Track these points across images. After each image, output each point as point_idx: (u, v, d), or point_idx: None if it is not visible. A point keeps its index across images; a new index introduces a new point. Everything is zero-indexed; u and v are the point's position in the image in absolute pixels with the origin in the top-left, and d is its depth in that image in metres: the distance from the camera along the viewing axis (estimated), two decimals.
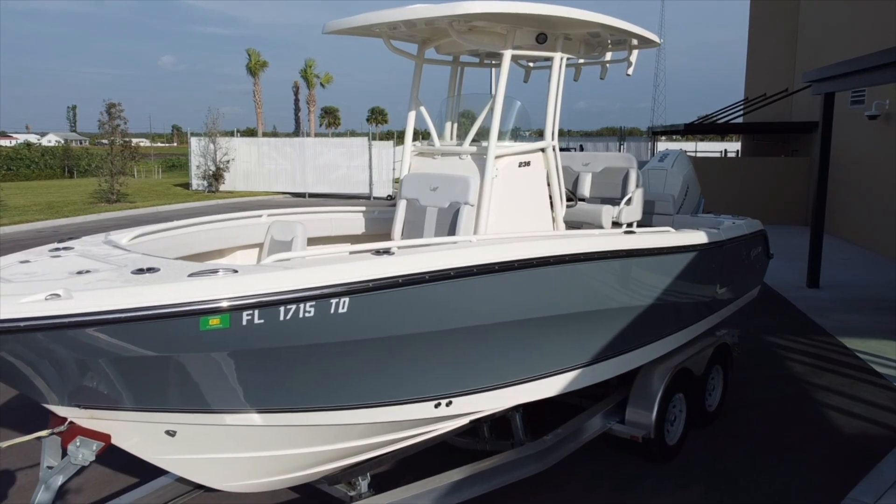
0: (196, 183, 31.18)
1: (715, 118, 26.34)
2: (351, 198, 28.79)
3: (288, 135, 46.36)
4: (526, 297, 4.01)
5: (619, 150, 31.05)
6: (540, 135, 5.18)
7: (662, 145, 36.68)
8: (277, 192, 30.71)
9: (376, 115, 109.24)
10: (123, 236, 4.15)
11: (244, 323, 2.95)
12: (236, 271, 3.01)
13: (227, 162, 30.42)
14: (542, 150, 5.13)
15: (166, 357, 2.98)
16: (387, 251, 3.44)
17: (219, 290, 2.88)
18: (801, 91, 20.94)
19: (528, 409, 4.95)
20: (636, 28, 5.30)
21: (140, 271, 3.04)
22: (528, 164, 5.01)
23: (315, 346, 3.23)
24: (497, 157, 4.81)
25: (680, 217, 7.10)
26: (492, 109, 4.84)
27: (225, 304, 2.86)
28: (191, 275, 2.96)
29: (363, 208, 6.00)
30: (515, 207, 4.95)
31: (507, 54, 4.84)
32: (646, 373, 5.46)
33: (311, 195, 29.87)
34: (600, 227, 6.08)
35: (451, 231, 4.86)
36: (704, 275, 5.83)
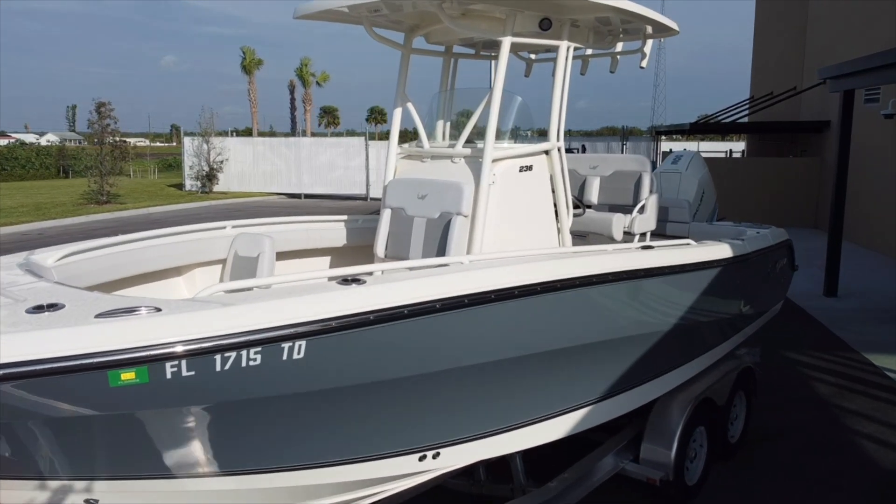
0: (189, 184, 30.52)
1: (719, 117, 25.70)
2: (348, 199, 28.17)
3: (285, 134, 45.67)
4: (528, 329, 3.37)
5: (622, 150, 30.40)
6: (543, 135, 4.56)
7: (665, 145, 36.02)
8: (273, 193, 30.06)
9: (376, 115, 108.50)
10: (49, 256, 3.50)
11: (168, 376, 2.31)
12: (159, 310, 2.37)
13: (221, 162, 29.76)
14: (546, 152, 4.50)
15: (71, 419, 2.35)
16: (356, 279, 2.80)
17: (132, 336, 2.24)
18: (811, 90, 20.33)
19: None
20: (652, 13, 4.66)
21: (38, 309, 2.40)
22: (529, 168, 4.37)
23: (265, 399, 2.59)
24: (494, 160, 4.17)
25: (696, 225, 6.46)
26: (488, 106, 4.20)
27: (138, 354, 2.23)
28: (99, 315, 2.32)
29: (345, 217, 5.36)
30: (516, 218, 4.31)
31: (506, 42, 4.20)
32: (663, 405, 4.82)
33: (307, 196, 29.23)
34: (611, 237, 5.45)
35: (442, 245, 4.22)
36: (728, 292, 5.20)
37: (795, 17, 22.88)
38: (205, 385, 2.39)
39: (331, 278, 2.86)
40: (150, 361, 2.25)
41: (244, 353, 2.39)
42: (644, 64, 5.30)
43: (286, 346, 2.47)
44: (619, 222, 5.44)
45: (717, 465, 5.31)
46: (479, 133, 4.47)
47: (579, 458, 4.61)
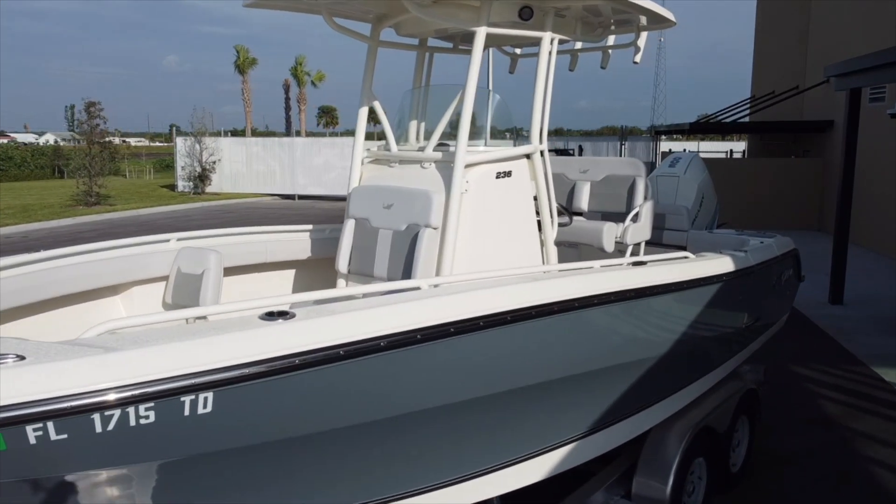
0: (182, 185, 30.05)
1: (719, 117, 25.24)
2: (342, 199, 27.68)
3: (278, 134, 45.04)
4: (498, 364, 2.91)
5: (620, 150, 29.91)
6: (524, 136, 4.11)
7: (665, 145, 35.55)
8: (266, 194, 29.60)
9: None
10: None
11: (33, 441, 1.85)
12: (23, 357, 1.91)
13: (214, 163, 29.27)
14: (528, 156, 4.04)
15: None
16: (283, 314, 2.34)
17: None
18: (813, 88, 19.88)
19: None
20: (646, 2, 4.20)
21: None
22: (508, 174, 3.91)
23: (166, 464, 2.13)
24: (467, 165, 3.72)
25: (695, 233, 6.00)
26: (461, 105, 3.75)
27: None
28: None
29: (310, 227, 4.89)
30: (492, 230, 3.86)
31: (481, 33, 3.75)
32: (659, 435, 4.35)
33: (301, 197, 28.78)
34: (601, 248, 4.99)
35: (409, 260, 3.77)
36: (730, 309, 4.73)
37: (797, 14, 22.41)
38: (82, 449, 1.93)
39: (250, 309, 2.39)
40: (4, 425, 1.79)
41: (131, 410, 1.93)
42: (638, 59, 4.84)
43: (187, 399, 2.01)
44: (610, 232, 4.99)
45: (717, 499, 4.84)
46: (452, 135, 4.02)
47: (565, 490, 4.15)
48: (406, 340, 2.44)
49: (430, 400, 2.67)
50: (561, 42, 4.44)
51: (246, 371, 2.08)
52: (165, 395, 1.96)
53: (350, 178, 4.30)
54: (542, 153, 4.10)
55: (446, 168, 3.80)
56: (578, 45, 5.15)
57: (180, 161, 29.80)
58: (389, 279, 3.93)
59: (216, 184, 29.73)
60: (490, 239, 3.83)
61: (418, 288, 2.81)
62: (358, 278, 4.14)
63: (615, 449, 4.21)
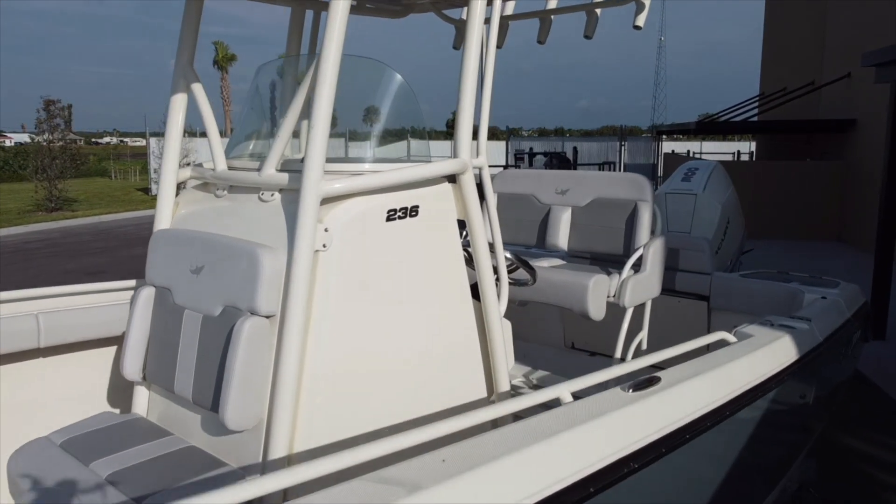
0: (155, 188, 28.34)
1: (723, 116, 23.55)
2: None
3: None
4: None
5: (619, 151, 28.12)
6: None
7: (667, 145, 33.83)
8: None
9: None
10: None
11: None
12: None
13: (187, 164, 27.55)
14: (451, 178, 2.34)
15: None
16: None
17: None
18: (833, 84, 18.19)
19: None
20: None
21: None
22: (411, 212, 2.20)
23: None
24: (327, 200, 2.02)
25: (722, 278, 4.27)
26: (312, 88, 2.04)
27: None
28: None
29: (132, 283, 3.15)
30: (382, 314, 2.15)
31: None
32: None
33: None
34: (584, 314, 3.28)
35: (221, 375, 2.06)
36: (788, 415, 3.03)
37: (813, 5, 20.69)
38: None
39: None
40: None
41: None
42: (640, 22, 3.12)
43: None
44: (598, 289, 3.27)
45: None
46: (357, 137, 2.34)
47: None
48: None
49: None
50: None
51: None
52: None
53: (157, 213, 2.60)
54: (480, 170, 2.40)
55: (295, 200, 2.09)
56: (553, 2, 3.44)
57: (153, 163, 28.14)
58: (195, 403, 2.23)
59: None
60: (376, 332, 2.13)
61: None
62: (159, 391, 2.44)
63: None
